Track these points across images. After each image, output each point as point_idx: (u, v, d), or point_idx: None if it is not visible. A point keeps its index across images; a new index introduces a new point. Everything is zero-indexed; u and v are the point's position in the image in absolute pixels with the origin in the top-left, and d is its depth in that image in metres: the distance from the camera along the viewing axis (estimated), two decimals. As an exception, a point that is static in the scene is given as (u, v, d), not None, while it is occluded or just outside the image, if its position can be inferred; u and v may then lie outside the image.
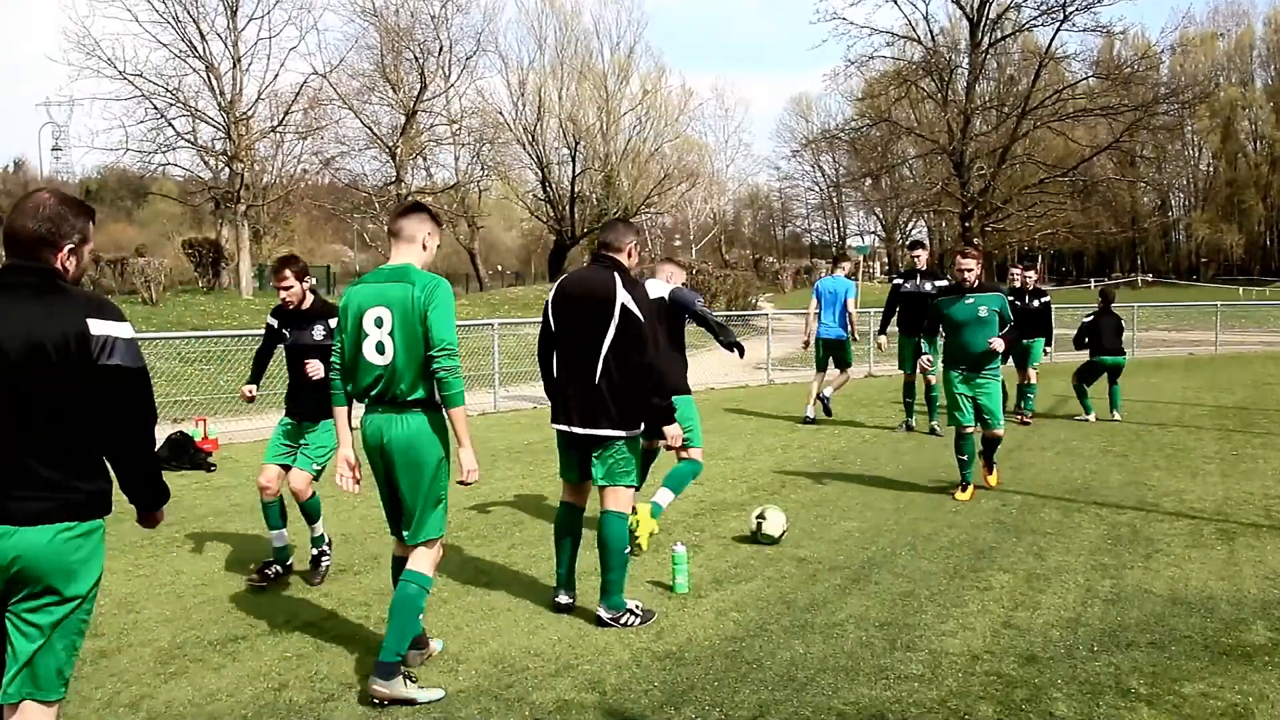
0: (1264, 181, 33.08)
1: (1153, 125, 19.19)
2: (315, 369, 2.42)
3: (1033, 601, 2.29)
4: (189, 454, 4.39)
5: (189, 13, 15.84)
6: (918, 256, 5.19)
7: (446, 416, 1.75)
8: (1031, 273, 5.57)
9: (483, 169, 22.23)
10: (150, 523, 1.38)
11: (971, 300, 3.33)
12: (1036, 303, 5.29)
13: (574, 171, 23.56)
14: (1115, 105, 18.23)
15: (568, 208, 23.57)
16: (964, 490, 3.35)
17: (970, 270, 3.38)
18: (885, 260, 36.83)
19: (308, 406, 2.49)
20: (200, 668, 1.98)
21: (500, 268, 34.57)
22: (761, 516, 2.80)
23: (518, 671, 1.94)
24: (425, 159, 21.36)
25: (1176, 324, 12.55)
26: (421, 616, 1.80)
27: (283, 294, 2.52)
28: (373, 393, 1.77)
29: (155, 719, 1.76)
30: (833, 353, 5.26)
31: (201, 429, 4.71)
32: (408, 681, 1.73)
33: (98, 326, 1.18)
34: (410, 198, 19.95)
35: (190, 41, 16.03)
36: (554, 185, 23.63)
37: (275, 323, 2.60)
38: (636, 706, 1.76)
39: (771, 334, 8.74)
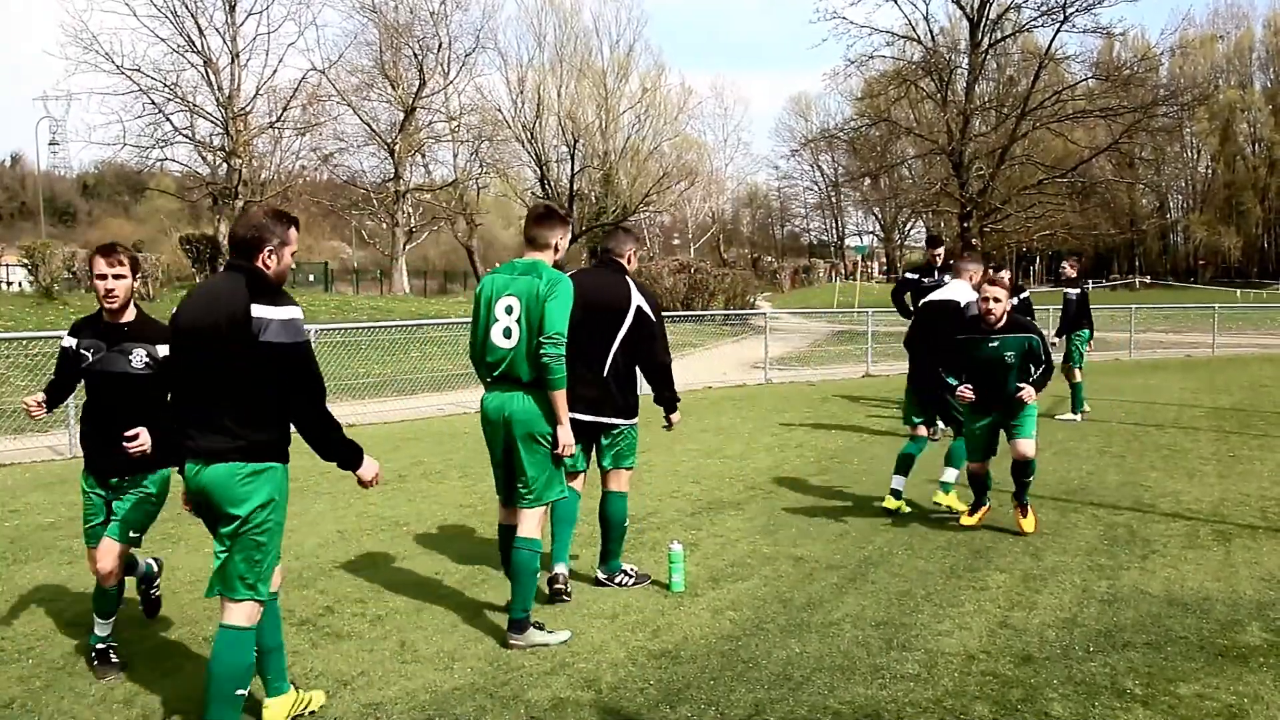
0: (1262, 184, 33.18)
1: (1152, 127, 19.20)
2: (139, 444, 1.72)
3: (1029, 602, 2.29)
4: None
5: (187, 7, 15.73)
6: (937, 255, 4.98)
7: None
8: (1004, 272, 5.47)
9: (481, 166, 22.15)
10: (362, 484, 1.66)
11: (996, 343, 2.74)
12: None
13: (573, 169, 23.52)
14: (1114, 107, 18.22)
15: (566, 205, 23.50)
16: (972, 515, 2.93)
17: (997, 303, 2.72)
18: (884, 260, 36.87)
19: (120, 460, 1.77)
20: (195, 664, 1.97)
21: (498, 264, 33.98)
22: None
23: (513, 669, 1.93)
24: (424, 156, 21.29)
25: (1174, 326, 12.61)
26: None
27: (106, 291, 1.76)
28: (495, 372, 2.04)
29: (149, 715, 1.75)
30: None
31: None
32: (539, 630, 2.04)
33: (258, 309, 1.47)
34: (409, 195, 20.17)
35: (188, 36, 15.93)
36: (553, 183, 23.58)
37: (74, 343, 1.85)
38: (632, 705, 1.76)
39: (769, 333, 8.67)
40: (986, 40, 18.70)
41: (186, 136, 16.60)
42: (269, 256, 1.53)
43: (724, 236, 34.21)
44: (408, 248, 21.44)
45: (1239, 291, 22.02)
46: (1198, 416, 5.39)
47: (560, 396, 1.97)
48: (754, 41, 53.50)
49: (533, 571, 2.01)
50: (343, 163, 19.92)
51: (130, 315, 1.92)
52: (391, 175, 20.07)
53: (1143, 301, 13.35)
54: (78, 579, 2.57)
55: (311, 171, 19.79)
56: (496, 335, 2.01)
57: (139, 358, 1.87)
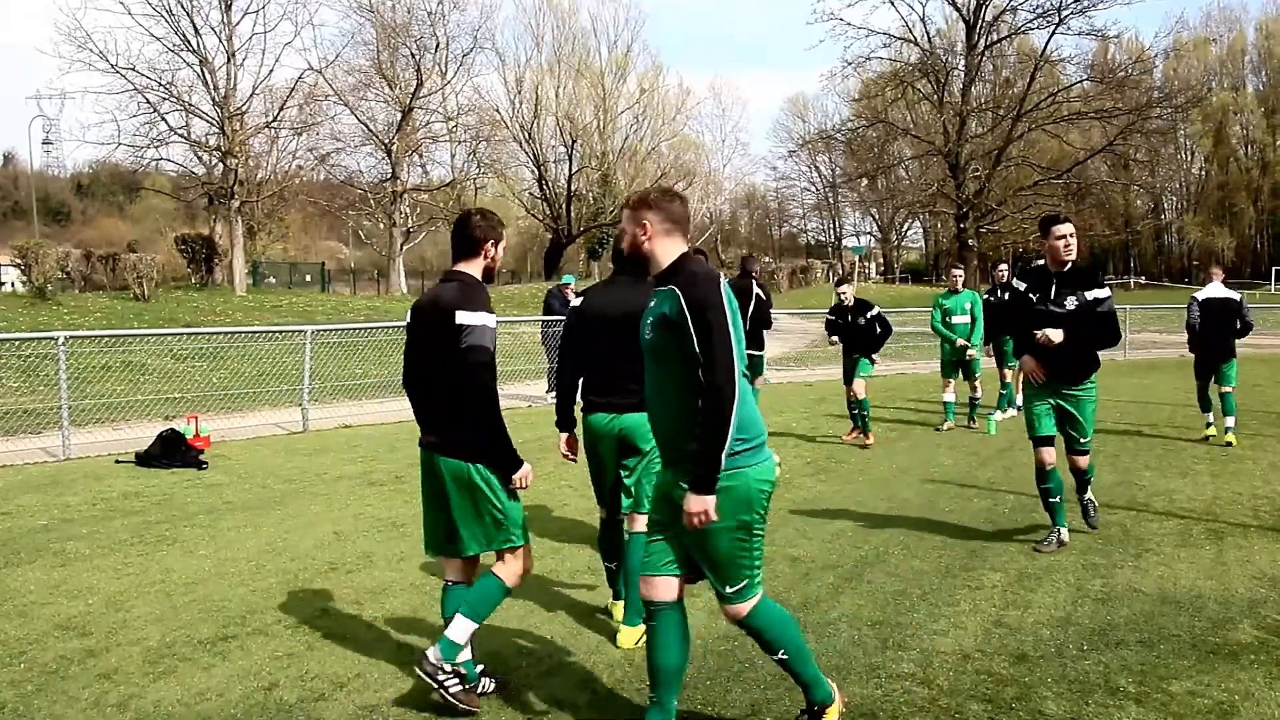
0: (1255, 185, 33.42)
1: (1146, 129, 19.36)
2: None
3: (1024, 601, 2.30)
4: (181, 451, 4.35)
5: (182, 6, 15.65)
6: (1002, 271, 5.53)
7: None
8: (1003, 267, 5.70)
9: (479, 166, 22.16)
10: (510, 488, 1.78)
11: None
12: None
13: (570, 170, 23.51)
14: (1109, 109, 18.38)
15: (564, 206, 23.50)
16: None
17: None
18: (881, 260, 36.95)
19: None
20: (189, 667, 1.96)
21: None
22: None
23: (510, 670, 1.93)
24: (421, 156, 21.26)
25: (1168, 326, 12.68)
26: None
27: None
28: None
29: (144, 719, 1.74)
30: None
31: (193, 426, 4.68)
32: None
33: (461, 316, 1.68)
34: (406, 195, 20.12)
35: (184, 35, 15.84)
36: (550, 183, 23.56)
37: None
38: (629, 705, 1.76)
39: (768, 333, 8.72)
40: (983, 42, 18.82)
41: (182, 136, 16.50)
42: (483, 258, 1.81)
43: (722, 237, 34.30)
44: (405, 248, 21.26)
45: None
46: (1191, 416, 5.41)
47: None
48: (752, 42, 53.91)
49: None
50: (340, 163, 19.99)
51: None
52: (389, 175, 19.97)
53: (1137, 302, 13.44)
54: (71, 581, 2.55)
55: (308, 172, 19.76)
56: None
57: None
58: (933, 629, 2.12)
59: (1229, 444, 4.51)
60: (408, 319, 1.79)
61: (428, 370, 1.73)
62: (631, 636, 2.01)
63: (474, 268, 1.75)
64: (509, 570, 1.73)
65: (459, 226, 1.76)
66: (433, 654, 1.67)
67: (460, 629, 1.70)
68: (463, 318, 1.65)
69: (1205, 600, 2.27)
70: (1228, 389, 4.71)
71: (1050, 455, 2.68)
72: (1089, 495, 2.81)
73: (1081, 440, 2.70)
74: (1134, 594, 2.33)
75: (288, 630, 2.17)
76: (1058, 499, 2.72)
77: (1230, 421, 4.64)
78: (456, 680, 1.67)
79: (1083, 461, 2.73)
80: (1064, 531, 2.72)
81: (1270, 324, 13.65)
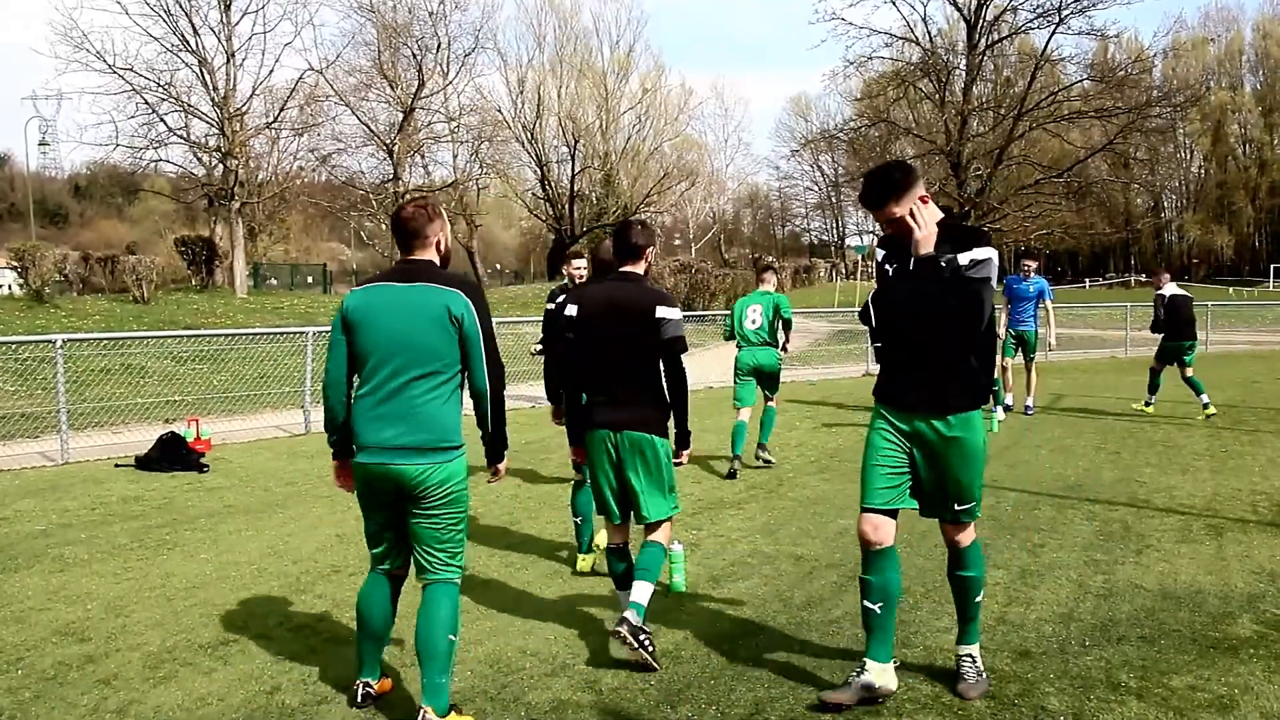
0: (1253, 184, 33.55)
1: (1145, 128, 19.36)
2: None
3: (1026, 597, 2.31)
4: (181, 455, 4.34)
5: (180, 6, 15.64)
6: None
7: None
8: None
9: (481, 167, 22.17)
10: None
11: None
12: None
13: (573, 170, 23.53)
14: (1109, 108, 18.39)
15: (567, 206, 23.52)
16: None
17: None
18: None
19: None
20: (190, 672, 1.96)
21: (499, 266, 34.45)
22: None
23: (514, 672, 1.93)
24: (423, 156, 21.27)
25: (1168, 324, 12.87)
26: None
27: None
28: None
29: (144, 722, 1.74)
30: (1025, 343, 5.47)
31: (194, 429, 4.67)
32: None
33: (661, 311, 2.00)
34: (408, 195, 19.98)
35: (182, 35, 15.84)
36: (553, 184, 23.57)
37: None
38: (633, 705, 1.76)
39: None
40: (983, 42, 18.84)
41: (181, 137, 16.52)
42: (647, 261, 2.12)
43: (725, 237, 34.33)
44: (406, 249, 21.12)
45: (1231, 289, 22.47)
46: (1192, 412, 5.41)
47: None
48: (754, 42, 54.00)
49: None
50: (341, 163, 19.98)
51: None
52: (390, 176, 19.96)
53: (1138, 300, 13.51)
54: (69, 587, 2.54)
55: (309, 172, 19.79)
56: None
57: None
58: (936, 626, 2.12)
59: (1212, 415, 5.09)
60: (576, 312, 2.02)
61: (618, 357, 1.99)
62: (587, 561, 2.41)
63: (640, 269, 2.06)
64: (665, 535, 2.03)
65: (622, 235, 2.07)
66: (633, 618, 1.86)
67: (645, 591, 1.91)
68: (663, 312, 1.98)
69: (1205, 595, 2.28)
70: (1190, 371, 5.35)
71: (883, 533, 1.59)
72: (969, 651, 1.66)
73: (959, 506, 1.61)
74: (1135, 590, 2.33)
75: (290, 634, 2.17)
76: (883, 614, 1.57)
77: (1205, 398, 5.23)
78: (648, 637, 1.89)
79: (963, 538, 1.63)
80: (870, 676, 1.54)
81: (1269, 321, 13.74)
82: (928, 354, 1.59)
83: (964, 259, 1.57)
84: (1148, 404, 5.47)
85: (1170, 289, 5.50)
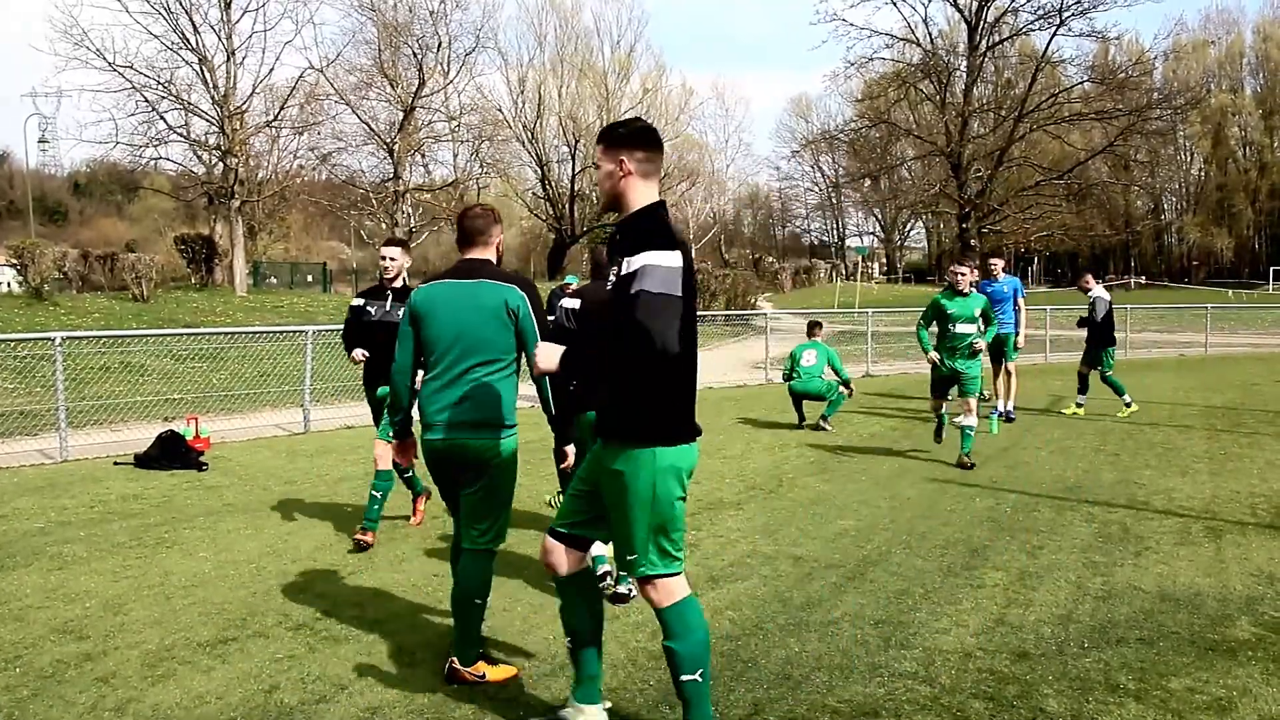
0: (1253, 186, 33.67)
1: (1146, 130, 19.46)
2: None
3: (1025, 599, 2.31)
4: (180, 453, 4.33)
5: (180, 4, 15.58)
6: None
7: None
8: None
9: (481, 166, 22.08)
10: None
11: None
12: None
13: (574, 170, 23.51)
14: (1109, 110, 18.44)
15: (567, 206, 23.48)
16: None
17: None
18: (884, 260, 37.03)
19: None
20: (189, 670, 1.95)
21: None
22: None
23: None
24: (423, 156, 21.20)
25: (1168, 325, 12.76)
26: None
27: None
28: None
29: (143, 721, 1.74)
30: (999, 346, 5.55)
31: (193, 428, 4.66)
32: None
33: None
34: (408, 195, 20.09)
35: (182, 33, 15.78)
36: (553, 183, 23.55)
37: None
38: (632, 705, 1.76)
39: (770, 333, 8.65)
40: (984, 43, 18.89)
41: (181, 135, 16.47)
42: None
43: (725, 237, 34.35)
44: (406, 248, 21.26)
45: (1231, 292, 22.27)
46: (1191, 415, 5.46)
47: None
48: (755, 43, 54.17)
49: None
50: (341, 162, 19.93)
51: None
52: (391, 175, 19.94)
53: (1138, 302, 13.52)
54: (67, 585, 2.53)
55: (310, 171, 19.74)
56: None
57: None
58: (935, 627, 2.12)
59: (1133, 412, 5.36)
60: (579, 308, 2.11)
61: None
62: None
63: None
64: None
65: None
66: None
67: (601, 548, 2.08)
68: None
69: (1204, 597, 2.28)
70: (1111, 371, 5.59)
71: (554, 558, 1.46)
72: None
73: (625, 554, 1.40)
74: (1134, 592, 2.33)
75: (289, 632, 2.16)
76: (573, 649, 1.43)
77: (1128, 398, 5.50)
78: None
79: (653, 595, 1.40)
80: None
81: (1268, 323, 13.74)
82: (603, 372, 1.37)
83: (624, 267, 1.32)
84: (1080, 405, 5.57)
85: (1098, 291, 5.58)
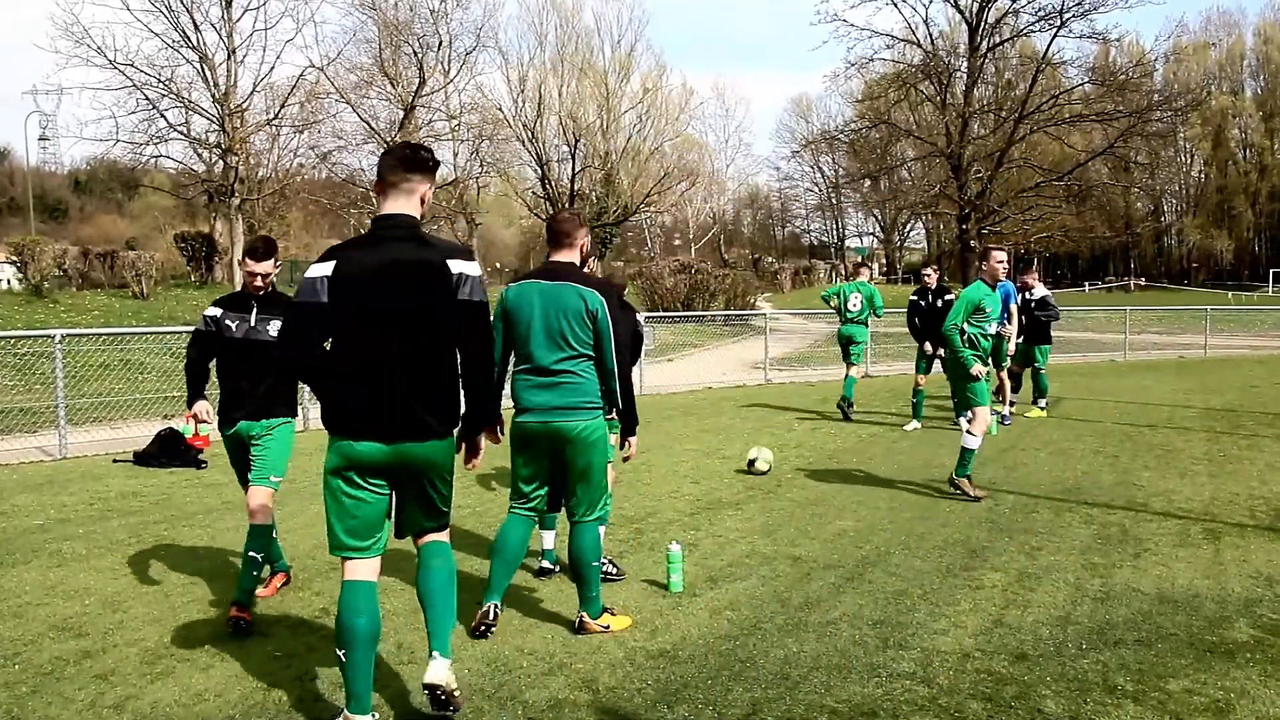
0: (1253, 188, 33.73)
1: (1146, 132, 19.42)
2: None
3: (1024, 600, 2.31)
4: (179, 451, 4.33)
5: (182, 2, 15.57)
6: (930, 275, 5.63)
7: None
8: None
9: (482, 165, 22.12)
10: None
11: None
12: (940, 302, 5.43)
13: (574, 169, 23.51)
14: (1110, 111, 18.44)
15: (567, 205, 23.50)
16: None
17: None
18: (884, 261, 37.07)
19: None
20: (188, 668, 1.95)
21: (499, 265, 34.45)
22: (754, 459, 3.60)
23: (511, 670, 1.93)
24: (423, 155, 21.15)
25: (1168, 327, 12.85)
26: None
27: None
28: None
29: None
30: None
31: (192, 426, 4.66)
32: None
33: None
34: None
35: (183, 31, 15.79)
36: (553, 183, 23.57)
37: None
38: (630, 705, 1.76)
39: (769, 334, 8.67)
40: (985, 44, 18.88)
41: (181, 133, 16.47)
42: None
43: (725, 237, 34.46)
44: (406, 247, 21.10)
45: (1230, 294, 22.38)
46: (1190, 417, 5.47)
47: None
48: (756, 43, 54.39)
49: None
50: (341, 161, 19.90)
51: None
52: (390, 174, 19.91)
53: (1137, 304, 13.53)
54: (67, 582, 2.54)
55: (310, 170, 19.77)
56: None
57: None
58: (933, 628, 2.13)
59: (1038, 417, 5.38)
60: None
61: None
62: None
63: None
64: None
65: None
66: (547, 563, 2.43)
67: (550, 538, 2.47)
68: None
69: (1202, 599, 2.29)
70: (1043, 369, 5.67)
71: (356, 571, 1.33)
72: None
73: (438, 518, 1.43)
74: (1132, 593, 2.34)
75: (287, 631, 2.17)
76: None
77: (1043, 402, 5.60)
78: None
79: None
80: None
81: (1268, 325, 13.76)
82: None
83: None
84: (1043, 407, 5.58)
85: (1041, 290, 5.58)
